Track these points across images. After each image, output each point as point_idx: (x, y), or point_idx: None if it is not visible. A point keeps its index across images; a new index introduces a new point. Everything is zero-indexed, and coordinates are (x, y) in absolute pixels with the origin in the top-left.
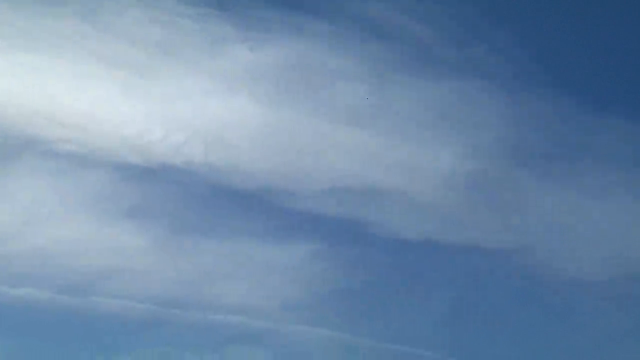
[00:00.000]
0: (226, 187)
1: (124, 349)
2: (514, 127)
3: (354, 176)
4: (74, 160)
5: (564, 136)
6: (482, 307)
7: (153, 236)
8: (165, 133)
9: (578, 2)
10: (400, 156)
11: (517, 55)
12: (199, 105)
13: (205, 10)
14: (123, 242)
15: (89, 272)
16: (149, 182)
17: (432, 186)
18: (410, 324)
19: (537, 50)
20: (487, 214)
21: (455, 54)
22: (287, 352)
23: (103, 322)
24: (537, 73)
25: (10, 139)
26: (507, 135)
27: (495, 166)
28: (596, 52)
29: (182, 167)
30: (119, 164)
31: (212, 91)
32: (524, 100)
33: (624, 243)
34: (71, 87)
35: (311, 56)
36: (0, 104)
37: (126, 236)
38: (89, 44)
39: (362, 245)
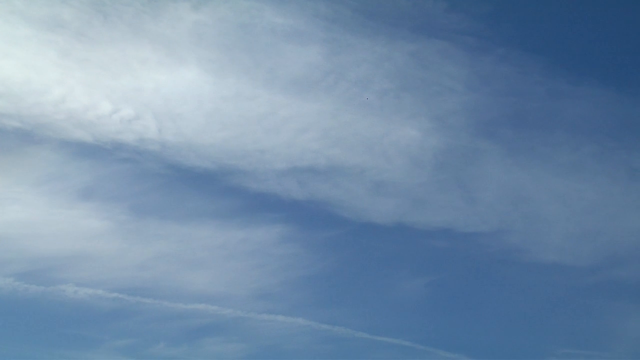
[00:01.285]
0: (182, 166)
1: (93, 341)
2: (477, 94)
3: (315, 154)
4: (17, 136)
5: (533, 104)
6: (457, 293)
7: (113, 219)
8: (113, 107)
9: None
10: (362, 131)
11: (478, 12)
12: (145, 75)
13: None
14: (82, 226)
15: (50, 258)
16: (100, 161)
17: (399, 165)
18: (385, 312)
19: (500, 5)
20: (458, 196)
21: (411, 10)
22: (262, 343)
23: (69, 312)
24: (500, 31)
25: None
26: (471, 104)
27: (462, 140)
28: (566, 6)
29: (134, 144)
30: (66, 141)
31: (157, 59)
32: (487, 63)
33: (603, 225)
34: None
35: (258, 15)
36: None
37: (84, 219)
38: (19, 3)
39: (331, 229)
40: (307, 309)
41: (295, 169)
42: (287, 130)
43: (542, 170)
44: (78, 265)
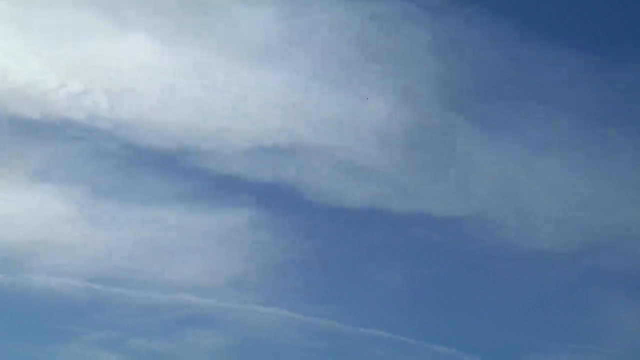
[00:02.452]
0: (139, 146)
1: (69, 334)
2: (444, 62)
3: (280, 132)
4: None
5: (503, 72)
6: (440, 282)
7: (75, 203)
8: (61, 80)
9: None
10: (328, 106)
11: None
12: (91, 45)
13: None
14: (43, 210)
15: (13, 246)
16: (51, 140)
17: (369, 144)
18: (369, 303)
19: None
20: (433, 178)
21: None
22: (246, 337)
23: (40, 303)
24: None
25: None
26: (438, 74)
27: (432, 116)
28: None
29: (85, 122)
30: (11, 118)
31: (103, 27)
32: (452, 26)
33: (585, 207)
34: None
35: None
36: None
37: (44, 203)
38: None
39: (302, 214)
40: (289, 300)
41: (259, 149)
42: (248, 105)
43: (517, 147)
44: (45, 253)
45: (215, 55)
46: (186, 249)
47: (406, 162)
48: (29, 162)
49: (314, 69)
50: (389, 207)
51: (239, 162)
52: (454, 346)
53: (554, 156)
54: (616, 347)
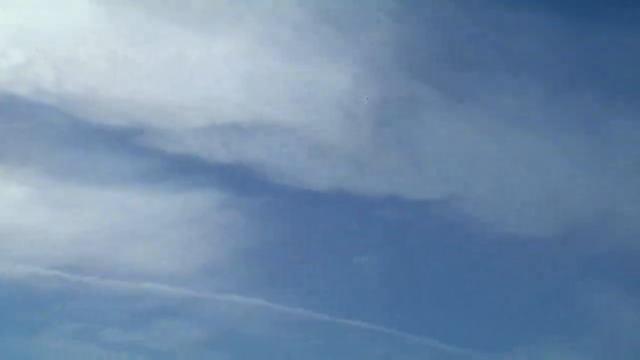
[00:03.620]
0: (89, 124)
1: (37, 326)
2: (406, 26)
3: (236, 108)
4: None
5: (469, 37)
6: (409, 268)
7: (31, 184)
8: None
9: None
10: (286, 79)
11: None
12: (30, 10)
13: None
14: None
15: None
16: None
17: (333, 121)
18: (342, 290)
19: None
20: (402, 157)
21: None
22: (220, 327)
23: (5, 293)
24: None
25: None
26: (401, 40)
27: (397, 88)
28: None
29: (29, 97)
30: None
31: None
32: None
33: (562, 187)
34: None
35: None
36: None
37: None
38: None
39: (265, 196)
40: (262, 288)
41: (215, 127)
42: (200, 78)
43: (489, 121)
44: (7, 240)
45: (160, 20)
46: (154, 234)
47: (373, 140)
48: None
49: (266, 35)
50: (356, 189)
51: (195, 141)
52: (429, 335)
53: (529, 131)
54: (598, 335)
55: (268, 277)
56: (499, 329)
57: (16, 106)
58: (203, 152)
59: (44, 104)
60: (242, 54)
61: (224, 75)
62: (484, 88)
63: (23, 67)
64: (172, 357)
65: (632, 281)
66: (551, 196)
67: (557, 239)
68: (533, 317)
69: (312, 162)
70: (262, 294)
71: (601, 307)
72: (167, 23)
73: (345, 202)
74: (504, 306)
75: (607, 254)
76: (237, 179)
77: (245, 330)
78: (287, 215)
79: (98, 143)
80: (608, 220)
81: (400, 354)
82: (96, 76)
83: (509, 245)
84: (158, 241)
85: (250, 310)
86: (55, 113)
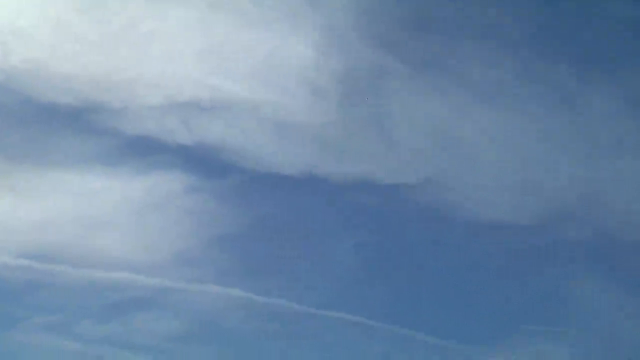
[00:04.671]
0: (39, 102)
1: (9, 319)
2: None
3: (195, 84)
4: None
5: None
6: (384, 256)
7: None
8: None
9: None
10: (246, 51)
11: None
12: None
13: None
14: None
15: None
16: None
17: (298, 97)
18: (321, 280)
19: None
20: (372, 136)
21: None
22: (198, 319)
23: None
24: None
25: None
26: (366, 7)
27: (362, 58)
28: None
29: None
30: None
31: None
32: None
33: (541, 168)
34: None
35: None
36: None
37: None
38: None
39: (235, 181)
40: (239, 277)
41: (174, 105)
42: (155, 52)
43: (459, 96)
44: None
45: None
46: (123, 220)
47: (341, 117)
48: None
49: (221, 2)
50: (326, 172)
51: (154, 120)
52: (409, 326)
53: (503, 107)
54: (581, 323)
55: (244, 265)
56: (478, 319)
57: None
58: (163, 132)
59: None
60: (196, 24)
61: (178, 48)
62: (453, 58)
63: None
64: (149, 352)
65: (615, 267)
66: (530, 179)
67: (537, 224)
68: (513, 306)
69: (279, 143)
70: (239, 284)
71: (584, 295)
72: None
73: (316, 187)
74: (484, 296)
75: (591, 240)
76: (202, 162)
77: (224, 323)
78: (257, 200)
79: (51, 123)
80: (590, 204)
81: (380, 345)
82: (45, 50)
83: (487, 232)
84: (128, 228)
85: (228, 301)
86: (3, 90)
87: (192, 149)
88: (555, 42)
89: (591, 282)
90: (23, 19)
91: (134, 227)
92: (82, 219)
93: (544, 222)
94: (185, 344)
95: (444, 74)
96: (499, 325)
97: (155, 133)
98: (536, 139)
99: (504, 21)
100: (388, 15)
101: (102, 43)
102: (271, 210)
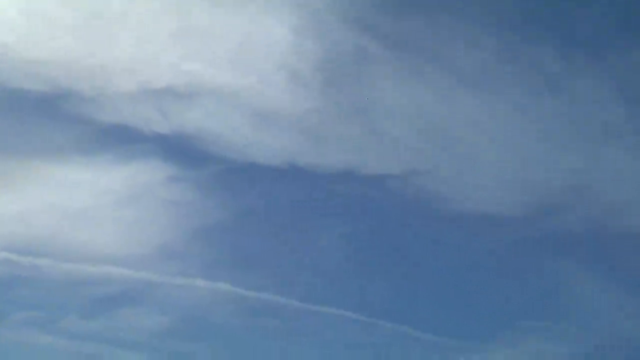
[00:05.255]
0: (8, 89)
1: None
2: None
3: (171, 70)
4: None
5: None
6: (376, 251)
7: None
8: None
9: None
10: (223, 34)
11: None
12: None
13: None
14: None
15: None
16: None
17: (276, 82)
18: (308, 273)
19: None
20: (355, 125)
21: None
22: (185, 314)
23: None
24: None
25: None
26: None
27: (342, 42)
28: None
29: None
30: None
31: None
32: None
33: (531, 159)
34: None
35: None
36: None
37: None
38: None
39: (216, 171)
40: (226, 271)
41: (148, 92)
42: (127, 35)
43: (442, 79)
44: None
45: None
46: (104, 212)
47: (322, 104)
48: None
49: None
50: (309, 163)
51: (129, 108)
52: (397, 321)
53: (487, 92)
54: (570, 314)
55: (230, 259)
56: (469, 314)
57: None
58: (139, 120)
59: None
60: (169, 6)
61: (151, 31)
62: (434, 40)
63: None
64: (137, 348)
65: (608, 259)
66: (517, 169)
67: (525, 215)
68: (506, 301)
69: (259, 133)
70: (227, 278)
71: (578, 289)
72: None
73: (299, 178)
74: (474, 290)
75: (581, 232)
76: (181, 151)
77: (212, 318)
78: (240, 191)
79: (21, 110)
80: (580, 195)
81: (371, 340)
82: (16, 34)
83: (477, 224)
84: (110, 220)
85: (216, 295)
86: None
87: (171, 138)
88: (539, 23)
89: (584, 275)
90: None
91: (116, 219)
92: (62, 210)
93: (534, 214)
94: (173, 340)
95: (425, 57)
96: (491, 322)
97: (131, 121)
98: (522, 126)
99: (485, 1)
100: None
101: (72, 27)
102: (254, 202)
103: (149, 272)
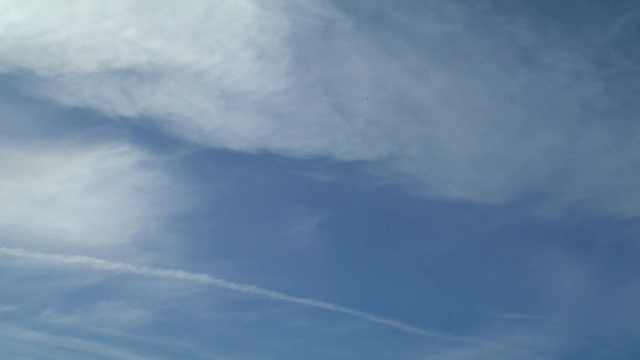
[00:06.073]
0: None
1: None
2: None
3: (132, 48)
4: None
5: None
6: (354, 240)
7: None
8: None
9: None
10: (182, 10)
11: None
12: None
13: None
14: None
15: None
16: None
17: (243, 59)
18: (288, 265)
19: None
20: (324, 105)
21: None
22: (165, 308)
23: None
24: None
25: None
26: None
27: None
28: None
29: None
30: None
31: None
32: None
33: (509, 144)
34: None
35: None
36: None
37: None
38: None
39: (187, 158)
40: (203, 262)
41: (110, 72)
42: (85, 9)
43: (413, 55)
44: None
45: None
46: (75, 199)
47: (290, 84)
48: None
49: None
50: (281, 148)
51: (91, 90)
52: (378, 312)
53: (459, 68)
54: (556, 310)
55: (208, 249)
56: (447, 304)
57: None
58: (102, 103)
59: None
60: None
61: (109, 7)
62: (401, 11)
63: None
64: (117, 343)
65: (590, 246)
66: (496, 153)
67: (506, 202)
68: (484, 291)
69: (227, 116)
70: (207, 269)
71: (557, 277)
72: None
73: (271, 163)
74: (453, 280)
75: (562, 220)
76: (149, 136)
77: (193, 311)
78: (212, 178)
79: None
80: (559, 179)
81: (352, 332)
82: None
83: (454, 211)
84: (80, 208)
85: (197, 288)
86: None
87: (137, 122)
88: None
89: (568, 265)
90: None
91: (87, 207)
92: (28, 198)
93: (515, 201)
94: (155, 335)
95: (393, 30)
96: (475, 314)
97: (93, 104)
98: (498, 105)
99: None
100: None
101: (26, 2)
102: (228, 189)
103: (126, 263)
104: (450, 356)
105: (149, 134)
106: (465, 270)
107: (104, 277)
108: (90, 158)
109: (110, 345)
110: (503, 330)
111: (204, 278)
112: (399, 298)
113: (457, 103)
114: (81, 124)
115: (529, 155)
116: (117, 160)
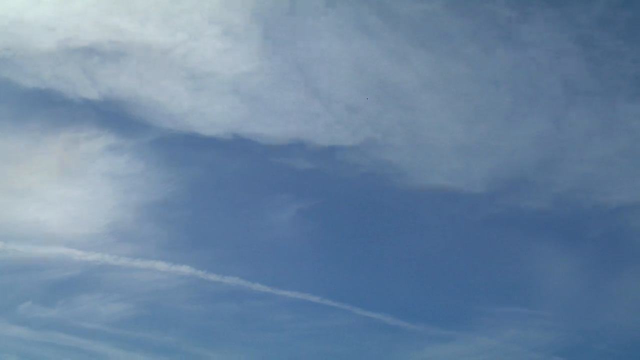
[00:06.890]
0: None
1: None
2: None
3: (90, 25)
4: None
5: None
6: (328, 228)
7: None
8: None
9: None
10: None
11: None
12: None
13: None
14: None
15: None
16: None
17: (210, 38)
18: (271, 255)
19: None
20: (296, 87)
21: None
22: (146, 301)
23: None
24: None
25: None
26: None
27: None
28: None
29: None
30: None
31: None
32: None
33: (496, 131)
34: None
35: None
36: None
37: None
38: None
39: (157, 142)
40: (183, 253)
41: (70, 51)
42: None
43: (389, 34)
44: None
45: None
46: (47, 188)
47: (261, 65)
48: None
49: None
50: (254, 134)
51: (51, 70)
52: (362, 305)
53: (438, 48)
54: (545, 303)
55: (186, 239)
56: (420, 291)
57: None
58: (64, 84)
59: None
60: None
61: None
62: None
63: None
64: (98, 337)
65: (577, 237)
66: (476, 138)
67: (489, 191)
68: (470, 283)
69: (196, 99)
70: (186, 260)
71: (547, 271)
72: None
73: (244, 149)
74: (437, 272)
75: (547, 209)
76: (116, 120)
77: (174, 303)
78: (184, 164)
79: None
80: (544, 168)
81: (332, 324)
82: None
83: (436, 200)
84: (54, 195)
85: (178, 279)
86: None
87: (101, 105)
88: None
89: (556, 256)
90: None
91: (58, 195)
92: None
93: (498, 189)
94: (134, 329)
95: (369, 8)
96: (460, 307)
97: (54, 85)
98: (479, 87)
99: None
100: None
101: None
102: (202, 176)
103: (104, 253)
104: (440, 351)
105: (115, 116)
106: (454, 263)
107: (83, 269)
108: (55, 142)
109: (92, 339)
110: (493, 324)
111: (184, 269)
112: (387, 291)
113: (439, 88)
114: (42, 106)
115: (515, 142)
116: (84, 145)
